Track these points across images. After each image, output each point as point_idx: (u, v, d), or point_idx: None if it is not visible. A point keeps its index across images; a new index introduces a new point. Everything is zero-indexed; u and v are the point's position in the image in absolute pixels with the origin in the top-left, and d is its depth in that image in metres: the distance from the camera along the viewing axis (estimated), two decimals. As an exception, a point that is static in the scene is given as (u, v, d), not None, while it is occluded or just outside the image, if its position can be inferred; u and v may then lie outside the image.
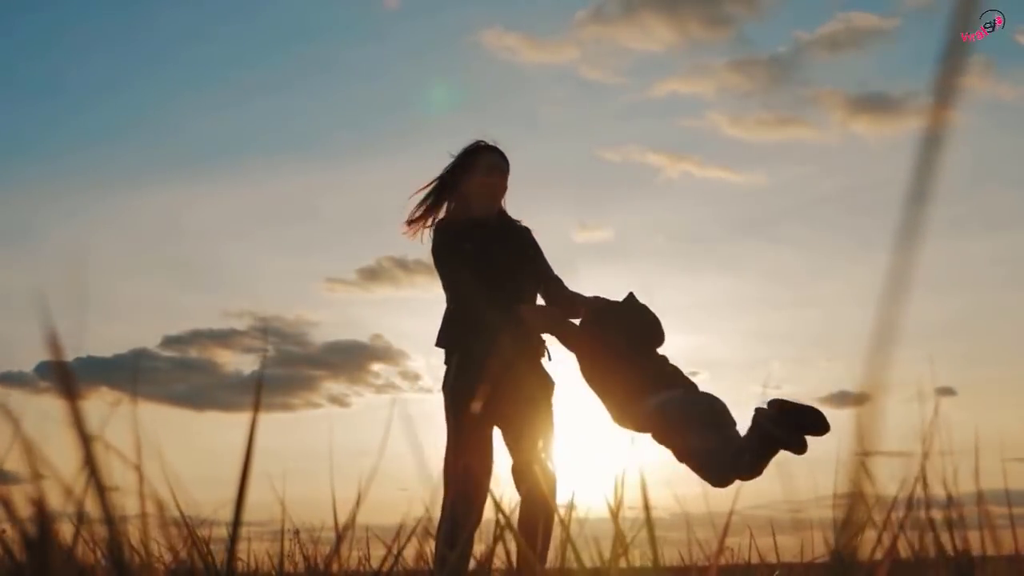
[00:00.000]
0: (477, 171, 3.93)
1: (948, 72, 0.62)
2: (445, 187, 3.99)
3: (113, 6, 13.17)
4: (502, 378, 3.71)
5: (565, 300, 3.95)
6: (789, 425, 3.20)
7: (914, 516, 1.54)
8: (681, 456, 3.43)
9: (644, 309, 3.72)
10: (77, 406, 0.70)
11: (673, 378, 3.61)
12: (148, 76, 13.35)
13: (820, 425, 3.22)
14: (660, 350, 3.70)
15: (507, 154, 4.01)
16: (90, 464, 0.78)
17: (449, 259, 3.85)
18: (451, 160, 4.03)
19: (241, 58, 13.37)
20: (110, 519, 0.76)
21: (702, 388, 3.69)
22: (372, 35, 13.01)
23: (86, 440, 0.76)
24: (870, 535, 1.65)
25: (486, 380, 3.70)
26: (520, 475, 3.72)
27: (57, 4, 12.74)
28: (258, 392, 1.04)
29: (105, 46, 13.22)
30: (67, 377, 0.72)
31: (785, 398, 3.25)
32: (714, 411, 3.45)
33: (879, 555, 1.62)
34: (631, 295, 3.77)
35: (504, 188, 3.97)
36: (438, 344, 3.92)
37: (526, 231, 4.06)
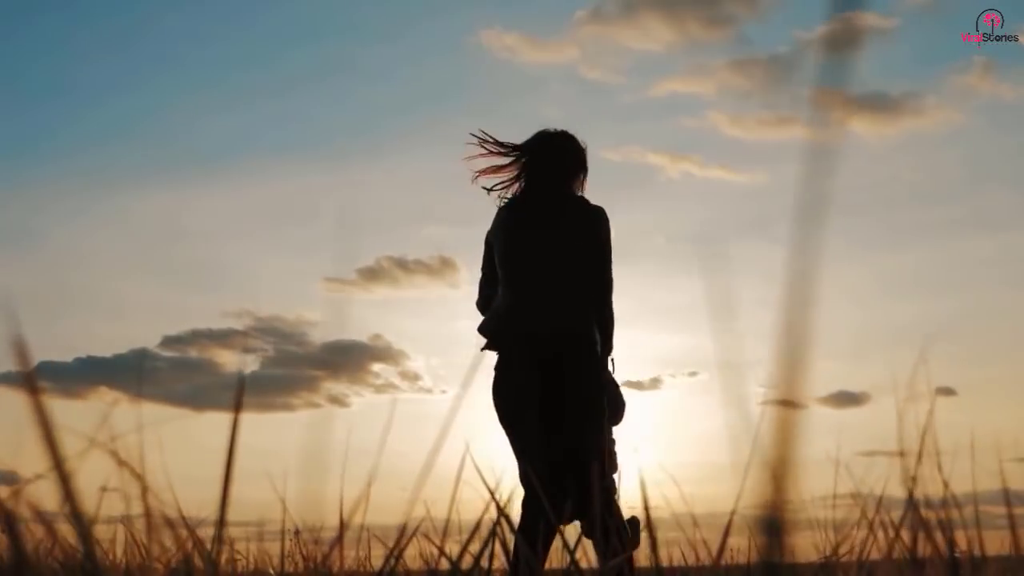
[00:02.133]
0: (584, 174, 3.91)
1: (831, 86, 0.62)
2: (574, 180, 3.89)
3: (115, 7, 13.17)
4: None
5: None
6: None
7: (912, 516, 1.55)
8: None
9: None
10: (39, 402, 0.71)
11: None
12: (148, 77, 13.36)
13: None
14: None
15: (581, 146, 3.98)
16: (56, 464, 0.78)
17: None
18: (556, 144, 3.90)
19: (241, 60, 13.37)
20: (79, 519, 0.77)
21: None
22: (371, 37, 13.02)
23: (51, 440, 0.77)
24: (868, 535, 1.66)
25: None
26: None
27: (59, 6, 12.75)
28: (240, 392, 1.04)
29: (107, 47, 13.22)
30: (30, 377, 0.73)
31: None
32: None
33: (877, 555, 1.62)
34: None
35: None
36: (592, 342, 3.68)
37: None
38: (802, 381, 0.65)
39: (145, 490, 1.04)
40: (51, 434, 0.80)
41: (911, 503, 1.52)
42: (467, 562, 1.71)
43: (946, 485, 1.54)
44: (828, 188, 0.62)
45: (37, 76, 13.15)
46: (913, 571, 1.55)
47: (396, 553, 1.78)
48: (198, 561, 1.26)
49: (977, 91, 11.43)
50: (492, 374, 3.75)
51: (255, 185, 12.99)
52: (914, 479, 1.48)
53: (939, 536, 1.53)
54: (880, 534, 1.60)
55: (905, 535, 1.57)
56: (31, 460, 0.89)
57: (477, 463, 1.76)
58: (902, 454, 1.49)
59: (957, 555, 1.53)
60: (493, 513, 1.77)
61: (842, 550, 1.78)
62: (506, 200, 3.87)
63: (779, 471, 0.64)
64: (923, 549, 1.55)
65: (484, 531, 1.73)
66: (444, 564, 1.82)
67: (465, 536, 1.76)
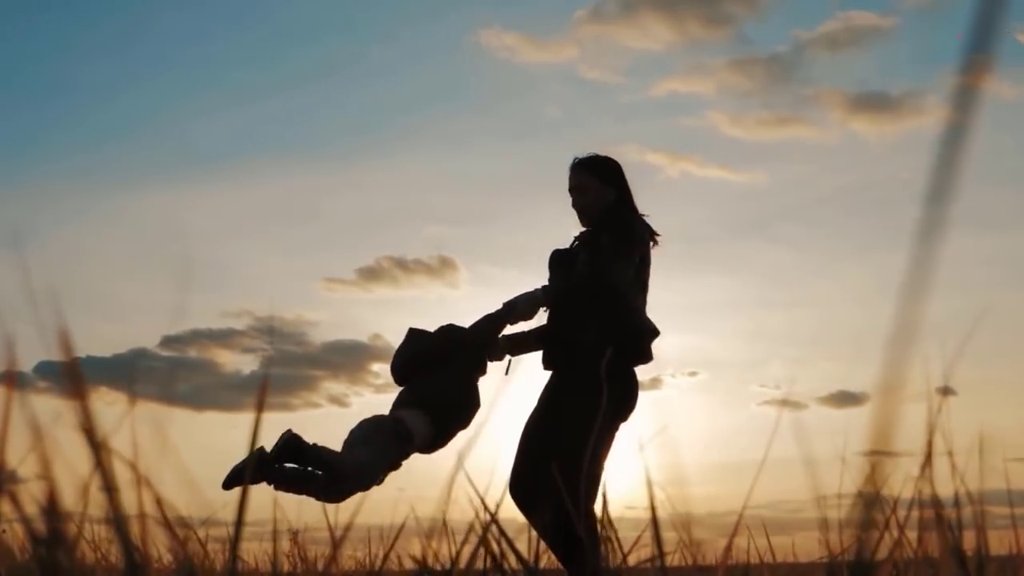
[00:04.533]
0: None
1: (972, 68, 0.61)
2: None
3: (115, 8, 13.16)
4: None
5: None
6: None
7: (916, 516, 1.54)
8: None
9: (433, 336, 3.98)
10: (86, 405, 0.70)
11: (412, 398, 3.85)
12: (149, 78, 13.35)
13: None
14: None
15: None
16: (99, 464, 0.78)
17: None
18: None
19: (242, 60, 13.37)
20: (120, 519, 0.77)
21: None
22: (372, 37, 13.01)
23: (95, 441, 0.76)
24: (874, 535, 1.65)
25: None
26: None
27: (59, 6, 12.74)
28: (263, 394, 1.04)
29: (107, 48, 13.21)
30: (76, 377, 0.72)
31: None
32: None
33: (883, 555, 1.62)
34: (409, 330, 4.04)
35: (577, 201, 4.06)
36: None
37: (590, 235, 4.02)
38: (908, 370, 0.63)
39: (143, 490, 1.04)
40: (92, 430, 0.79)
41: (918, 503, 1.51)
42: (460, 563, 1.71)
43: (961, 483, 1.53)
44: (956, 177, 0.61)
45: (37, 76, 13.13)
46: (918, 570, 1.55)
47: (389, 553, 1.77)
48: (198, 561, 1.25)
49: (977, 91, 11.40)
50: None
51: (255, 185, 12.98)
52: (920, 478, 1.48)
53: (946, 536, 1.52)
54: (886, 534, 1.60)
55: (910, 535, 1.57)
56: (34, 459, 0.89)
57: (471, 465, 1.75)
58: (908, 454, 1.48)
59: (963, 554, 1.53)
60: (484, 515, 1.76)
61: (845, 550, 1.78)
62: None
63: (878, 463, 0.63)
64: (930, 549, 1.54)
65: (474, 532, 1.73)
66: (440, 564, 1.82)
67: (457, 537, 1.75)
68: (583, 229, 4.07)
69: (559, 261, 4.08)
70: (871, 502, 0.65)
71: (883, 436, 0.64)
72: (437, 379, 3.84)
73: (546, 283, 3.99)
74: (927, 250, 0.63)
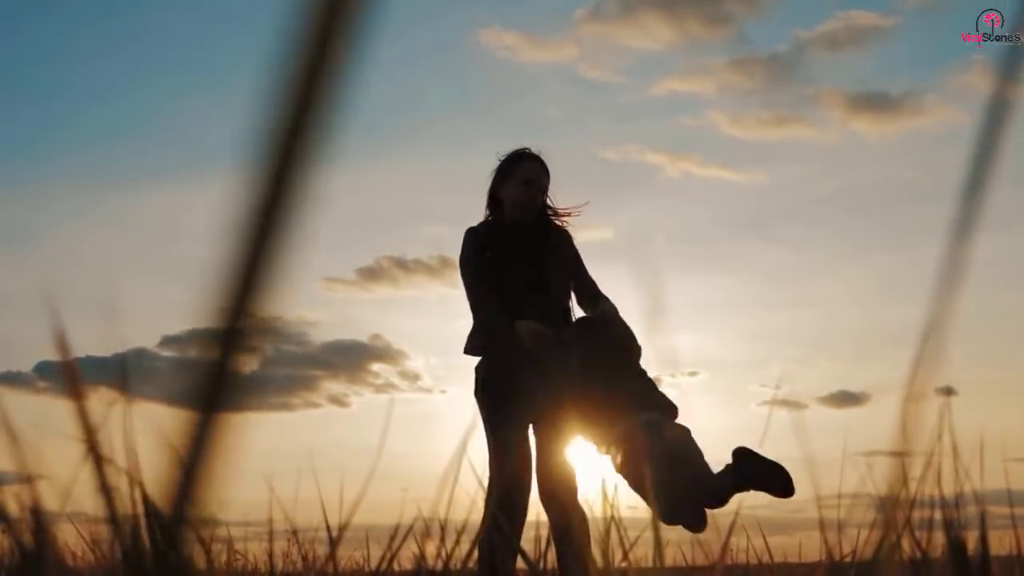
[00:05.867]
0: (513, 181, 3.99)
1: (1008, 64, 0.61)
2: (490, 193, 4.07)
3: (115, 8, 13.16)
4: (526, 382, 3.80)
5: (589, 304, 4.01)
6: (750, 477, 3.28)
7: (916, 516, 1.54)
8: (637, 484, 3.37)
9: (616, 323, 3.76)
10: (83, 405, 0.70)
11: (649, 399, 3.59)
12: (149, 78, 13.35)
13: (783, 486, 3.27)
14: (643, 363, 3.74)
15: (508, 155, 4.07)
16: (96, 463, 0.77)
17: (466, 266, 3.94)
18: (497, 163, 4.08)
19: (242, 60, 13.36)
20: (115, 519, 0.76)
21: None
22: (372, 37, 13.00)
23: (91, 439, 0.76)
24: (872, 535, 1.65)
25: (515, 385, 3.81)
26: (545, 476, 3.77)
27: (59, 6, 12.74)
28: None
29: (107, 47, 13.22)
30: (73, 376, 0.72)
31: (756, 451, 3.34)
32: (687, 444, 3.43)
33: (881, 555, 1.61)
34: (602, 311, 3.79)
35: (539, 201, 4.01)
36: (465, 351, 3.98)
37: (562, 234, 4.06)
38: (936, 371, 0.63)
39: (140, 490, 1.03)
40: (90, 432, 0.79)
41: (918, 503, 1.51)
42: (456, 562, 1.70)
43: (962, 483, 1.53)
44: (992, 167, 0.61)
45: (37, 76, 13.13)
46: (918, 570, 1.55)
47: (390, 554, 1.77)
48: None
49: (978, 90, 11.44)
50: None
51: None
52: (922, 479, 1.47)
53: (946, 536, 1.52)
54: (886, 534, 1.59)
55: (911, 535, 1.56)
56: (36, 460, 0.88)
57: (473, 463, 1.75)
58: (908, 454, 1.48)
59: (964, 555, 1.53)
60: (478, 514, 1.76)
61: (845, 550, 1.78)
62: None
63: (899, 465, 0.62)
64: (930, 549, 1.54)
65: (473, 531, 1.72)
66: (440, 564, 1.82)
67: (461, 537, 1.75)
68: (498, 218, 4.04)
69: (515, 256, 3.96)
70: (891, 503, 0.65)
71: (908, 436, 0.63)
72: (643, 379, 3.69)
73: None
74: (960, 248, 0.62)
